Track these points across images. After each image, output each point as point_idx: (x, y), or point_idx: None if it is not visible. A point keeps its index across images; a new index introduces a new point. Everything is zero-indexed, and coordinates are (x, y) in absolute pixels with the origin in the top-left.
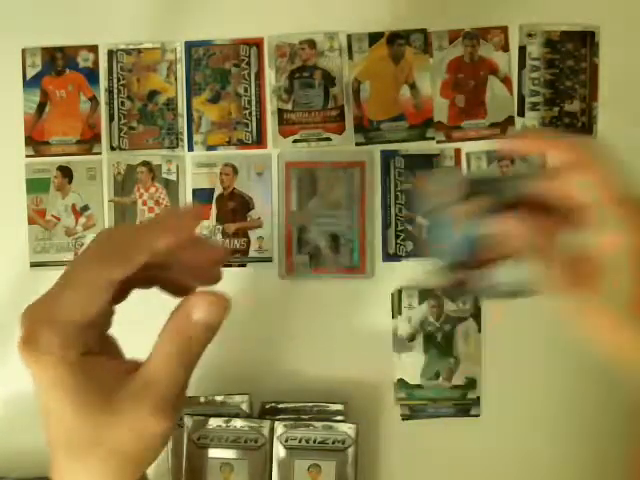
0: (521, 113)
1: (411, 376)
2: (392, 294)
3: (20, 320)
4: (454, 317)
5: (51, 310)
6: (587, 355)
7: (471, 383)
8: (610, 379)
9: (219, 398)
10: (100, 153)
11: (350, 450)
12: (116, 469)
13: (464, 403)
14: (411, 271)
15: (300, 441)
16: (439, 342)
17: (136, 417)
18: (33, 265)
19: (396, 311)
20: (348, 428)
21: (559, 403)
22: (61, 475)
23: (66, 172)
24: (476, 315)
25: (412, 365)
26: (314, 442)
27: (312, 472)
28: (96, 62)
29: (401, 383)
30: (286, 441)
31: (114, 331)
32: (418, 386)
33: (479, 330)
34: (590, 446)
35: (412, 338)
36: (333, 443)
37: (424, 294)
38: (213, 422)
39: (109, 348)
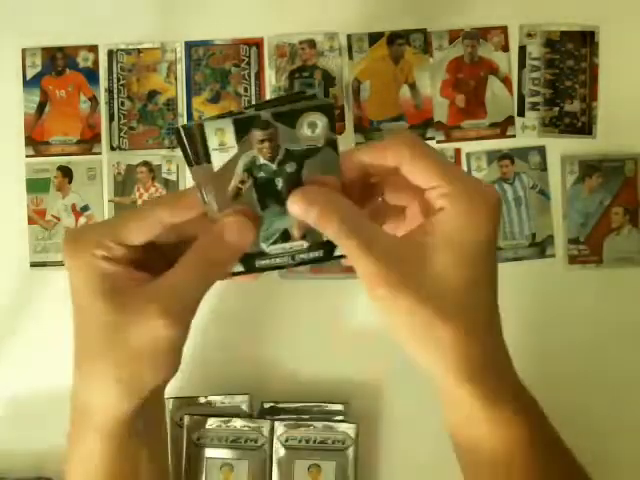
0: (521, 113)
1: None
2: None
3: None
4: None
5: (90, 225)
6: None
7: None
8: None
9: (219, 398)
10: (100, 153)
11: (350, 450)
12: (129, 375)
13: None
14: None
15: (300, 441)
16: None
17: (147, 319)
18: (33, 265)
19: None
20: (348, 428)
21: None
22: (81, 380)
23: (66, 172)
24: None
25: None
26: (314, 442)
27: (312, 472)
28: (96, 62)
29: None
30: (286, 441)
31: None
32: None
33: None
34: None
35: None
36: (333, 443)
37: None
38: (213, 422)
39: (149, 265)
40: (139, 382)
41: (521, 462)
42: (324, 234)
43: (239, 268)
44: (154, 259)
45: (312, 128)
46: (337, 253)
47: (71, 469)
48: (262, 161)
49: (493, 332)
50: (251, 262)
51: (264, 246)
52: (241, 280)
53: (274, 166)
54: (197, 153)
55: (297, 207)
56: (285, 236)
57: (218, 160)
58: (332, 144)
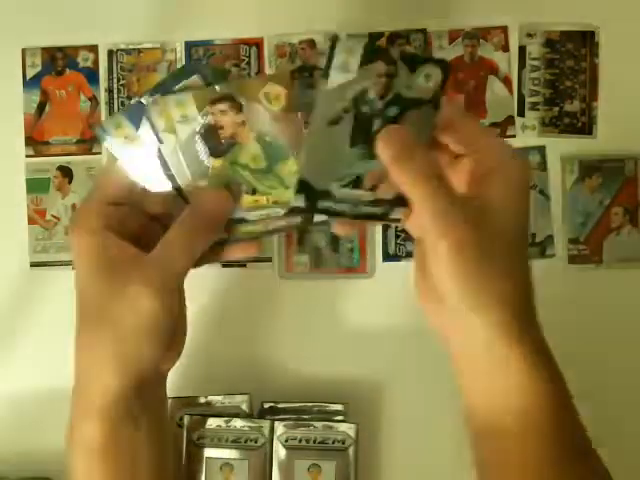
0: (521, 113)
1: None
2: None
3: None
4: None
5: (86, 198)
6: None
7: None
8: None
9: (219, 398)
10: (100, 153)
11: (350, 450)
12: (122, 350)
13: None
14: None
15: (300, 441)
16: None
17: (134, 290)
18: (33, 265)
19: None
20: (348, 428)
21: None
22: (79, 357)
23: (66, 172)
24: None
25: None
26: (314, 442)
27: (312, 472)
28: (96, 62)
29: None
30: (286, 441)
31: None
32: None
33: None
34: None
35: None
36: (333, 443)
37: None
38: (213, 422)
39: (147, 242)
40: (132, 360)
41: (547, 422)
42: (395, 182)
43: (300, 203)
44: (155, 237)
45: (427, 79)
46: (393, 216)
47: (71, 452)
48: (371, 96)
49: (533, 288)
50: (315, 201)
51: (334, 186)
52: (241, 253)
53: (380, 104)
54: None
55: (383, 140)
56: (357, 183)
57: (334, 80)
58: (436, 102)
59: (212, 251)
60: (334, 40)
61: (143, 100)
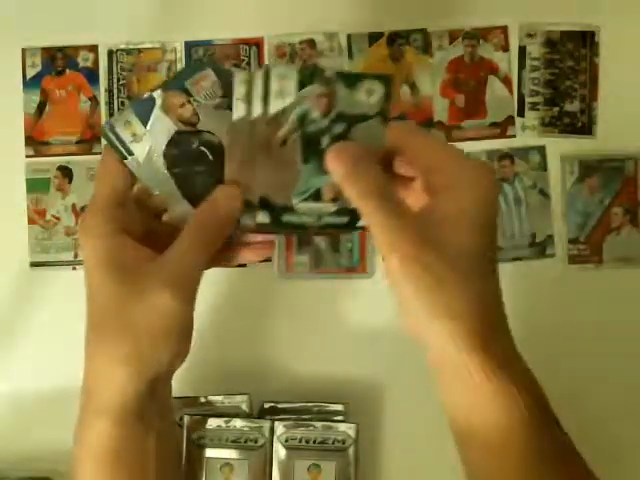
0: (521, 113)
1: None
2: None
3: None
4: None
5: (93, 201)
6: None
7: None
8: None
9: (219, 398)
10: (100, 153)
11: (350, 450)
12: (138, 353)
13: None
14: None
15: (300, 441)
16: None
17: (150, 290)
18: (33, 265)
19: None
20: (348, 428)
21: None
22: (90, 361)
23: (66, 172)
24: None
25: None
26: (314, 442)
27: (312, 472)
28: (96, 62)
29: None
30: (286, 441)
31: None
32: None
33: None
34: None
35: None
36: (333, 443)
37: None
38: (213, 422)
39: (154, 241)
40: (148, 361)
41: (522, 437)
42: (349, 195)
43: (265, 219)
44: (163, 238)
45: (368, 95)
46: (360, 224)
47: (79, 454)
48: (315, 115)
49: (500, 303)
50: (278, 216)
51: (295, 201)
52: (255, 256)
53: (325, 122)
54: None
55: (331, 159)
56: (317, 196)
57: (274, 105)
58: (383, 115)
59: (224, 251)
60: (266, 69)
61: (154, 94)
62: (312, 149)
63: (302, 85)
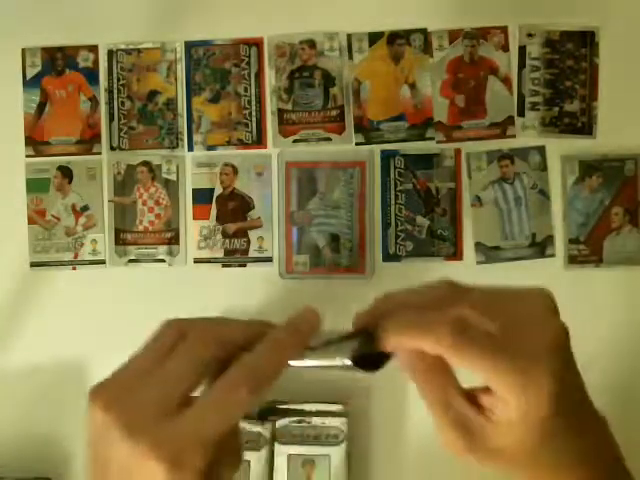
0: (521, 113)
1: None
2: None
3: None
4: None
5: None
6: None
7: None
8: None
9: None
10: (100, 153)
11: (343, 445)
12: None
13: None
14: (411, 271)
15: (295, 436)
16: None
17: (145, 463)
18: (33, 265)
19: None
20: (341, 423)
21: None
22: None
23: (66, 172)
24: None
25: None
26: (308, 437)
27: (306, 467)
28: (96, 62)
29: None
30: (284, 438)
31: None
32: None
33: None
34: None
35: None
36: (326, 438)
37: None
38: None
39: None
40: None
41: None
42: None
43: None
44: None
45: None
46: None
47: None
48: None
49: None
50: None
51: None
52: None
53: None
54: None
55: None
56: None
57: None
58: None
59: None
60: None
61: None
62: None
63: None
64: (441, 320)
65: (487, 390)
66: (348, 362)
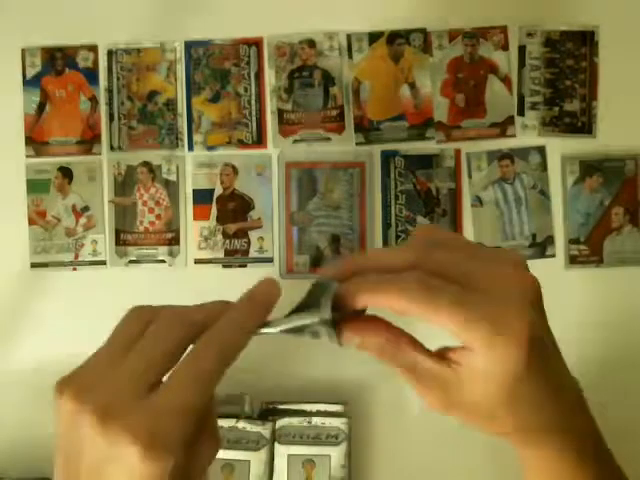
0: (521, 112)
1: None
2: None
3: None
4: None
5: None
6: None
7: None
8: None
9: (219, 398)
10: (100, 153)
11: (343, 445)
12: None
13: None
14: None
15: (294, 436)
16: None
17: (121, 449)
18: (33, 266)
19: None
20: (341, 423)
21: None
22: None
23: (66, 172)
24: None
25: None
26: (308, 437)
27: (306, 467)
28: (96, 62)
29: None
30: (284, 438)
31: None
32: None
33: None
34: None
35: None
36: (327, 438)
37: None
38: None
39: None
40: None
41: None
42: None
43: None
44: None
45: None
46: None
47: None
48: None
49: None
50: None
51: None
52: None
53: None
54: None
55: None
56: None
57: None
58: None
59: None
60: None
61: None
62: None
63: None
64: (410, 278)
65: (459, 348)
66: (327, 316)
